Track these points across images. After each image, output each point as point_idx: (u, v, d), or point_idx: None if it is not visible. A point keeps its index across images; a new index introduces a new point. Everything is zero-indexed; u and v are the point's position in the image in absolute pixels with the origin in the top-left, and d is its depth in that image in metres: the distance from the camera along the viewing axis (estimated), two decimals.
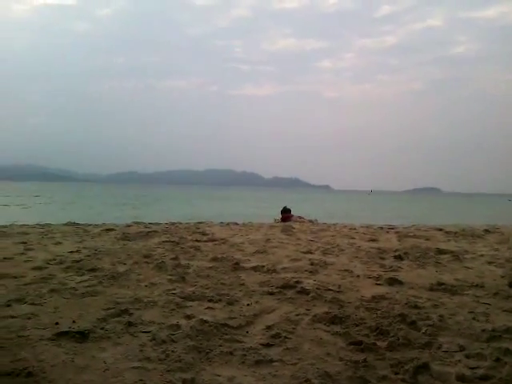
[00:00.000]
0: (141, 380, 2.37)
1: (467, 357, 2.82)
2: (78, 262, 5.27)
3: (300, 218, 12.62)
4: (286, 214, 12.89)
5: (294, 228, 9.06)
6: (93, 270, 4.87)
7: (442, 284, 4.57)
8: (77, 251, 5.98)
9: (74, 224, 9.43)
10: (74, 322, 3.25)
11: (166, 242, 6.84)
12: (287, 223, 10.94)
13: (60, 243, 6.68)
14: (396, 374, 2.56)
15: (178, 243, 6.74)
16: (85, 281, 4.43)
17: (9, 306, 3.58)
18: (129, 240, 7.04)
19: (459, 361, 2.76)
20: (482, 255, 6.36)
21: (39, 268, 4.95)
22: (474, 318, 3.56)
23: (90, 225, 9.33)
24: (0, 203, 27.02)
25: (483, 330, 3.25)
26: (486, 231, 8.90)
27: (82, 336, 2.97)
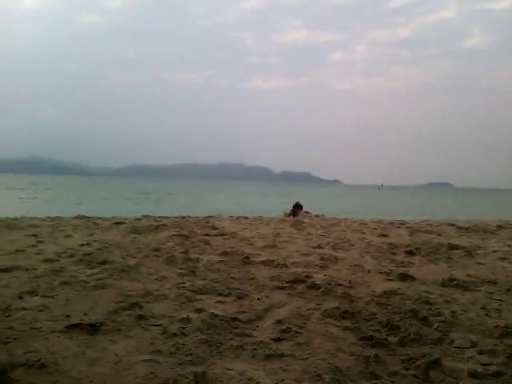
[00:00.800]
0: (152, 373, 2.37)
1: (479, 353, 2.80)
2: (88, 254, 5.30)
3: (307, 213, 12.73)
4: (297, 208, 13.11)
5: (304, 223, 9.04)
6: (103, 263, 4.90)
7: (454, 280, 4.53)
8: (87, 244, 6.02)
9: (84, 217, 9.49)
10: (85, 314, 3.28)
11: (176, 235, 6.86)
12: (297, 218, 10.98)
13: (70, 236, 6.73)
14: (407, 369, 2.54)
15: (187, 237, 6.76)
16: (95, 274, 4.46)
17: (21, 298, 3.62)
18: (139, 233, 7.07)
19: (471, 357, 2.74)
20: (494, 251, 6.30)
21: (50, 261, 4.99)
22: (486, 315, 3.53)
23: (100, 218, 9.38)
24: (15, 196, 27.33)
25: (496, 327, 3.21)
26: (499, 227, 8.81)
27: (93, 328, 2.99)
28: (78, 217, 9.52)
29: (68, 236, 6.72)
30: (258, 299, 3.80)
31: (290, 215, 12.72)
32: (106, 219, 9.13)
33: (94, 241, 6.29)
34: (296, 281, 4.36)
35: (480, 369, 2.55)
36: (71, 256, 5.25)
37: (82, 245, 5.97)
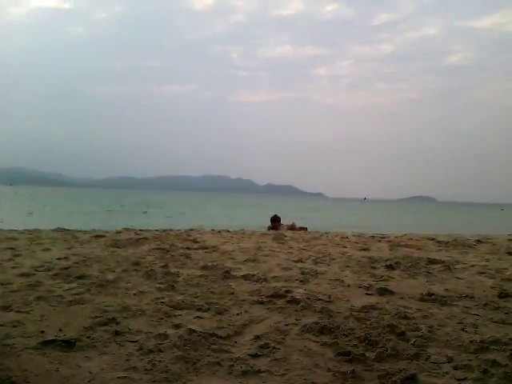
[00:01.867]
0: None
1: (455, 368, 2.81)
2: (66, 268, 5.21)
3: (292, 226, 12.52)
4: (275, 222, 12.83)
5: (285, 236, 9.05)
6: (81, 277, 4.83)
7: (432, 294, 4.56)
8: (65, 258, 5.92)
9: (64, 230, 9.35)
10: (60, 330, 3.22)
11: (156, 249, 6.79)
12: (279, 231, 10.93)
13: (48, 249, 6.61)
14: None
15: (168, 251, 6.69)
16: (72, 288, 4.39)
17: None
18: (118, 247, 6.98)
19: (447, 372, 2.75)
20: (472, 265, 6.36)
21: (26, 275, 4.90)
22: (462, 329, 3.55)
23: (79, 231, 9.25)
24: None
25: (471, 342, 3.24)
26: (478, 241, 8.93)
27: (67, 345, 2.94)
28: (58, 229, 9.37)
29: (46, 249, 6.61)
30: (238, 314, 3.78)
31: (269, 229, 12.54)
32: (85, 232, 9.00)
33: (73, 254, 6.19)
34: (276, 295, 4.35)
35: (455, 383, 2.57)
36: (48, 270, 5.16)
37: (60, 258, 5.86)
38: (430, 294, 4.56)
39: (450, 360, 2.93)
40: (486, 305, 4.30)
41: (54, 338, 3.03)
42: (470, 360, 2.92)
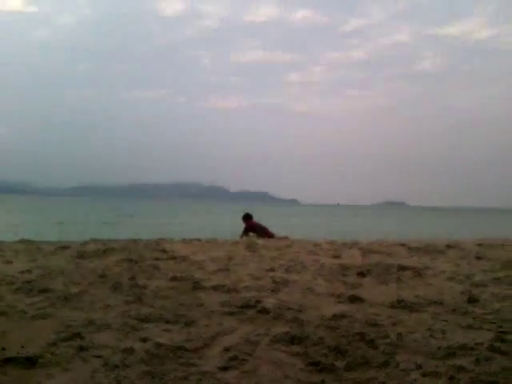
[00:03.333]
0: None
1: (423, 375, 2.82)
2: (28, 282, 5.02)
3: (263, 229, 12.07)
4: (246, 220, 12.27)
5: (257, 244, 8.99)
6: (44, 291, 4.65)
7: (402, 301, 4.58)
8: (27, 271, 5.69)
9: (28, 241, 9.05)
10: (22, 347, 3.10)
11: (124, 260, 6.59)
12: (251, 239, 10.69)
13: (10, 262, 6.37)
14: None
15: (136, 262, 6.52)
16: (36, 303, 4.23)
17: None
18: (84, 259, 6.77)
19: (415, 380, 2.76)
20: (442, 271, 6.44)
21: None
22: (431, 335, 3.57)
23: (44, 242, 8.98)
24: None
25: (439, 348, 3.26)
26: (448, 247, 9.05)
27: (29, 362, 2.84)
28: (22, 241, 9.08)
29: (8, 262, 6.36)
30: (207, 326, 3.72)
31: (244, 232, 12.01)
32: (50, 243, 8.72)
33: (37, 267, 5.96)
34: (246, 306, 4.29)
35: None
36: (10, 284, 4.96)
37: (23, 271, 5.64)
38: (400, 301, 4.58)
39: (418, 367, 2.94)
40: (454, 310, 4.35)
41: (15, 355, 2.91)
42: (438, 366, 2.94)
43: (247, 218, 12.36)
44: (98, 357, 2.97)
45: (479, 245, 9.54)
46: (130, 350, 3.06)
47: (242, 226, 12.43)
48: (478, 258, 7.62)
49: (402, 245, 9.34)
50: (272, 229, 12.64)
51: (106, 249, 7.58)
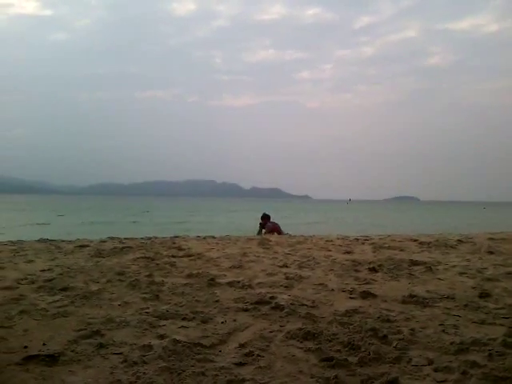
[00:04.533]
0: None
1: (435, 370, 2.87)
2: (49, 281, 5.17)
3: (276, 229, 12.56)
4: (265, 219, 12.95)
5: (271, 241, 9.07)
6: (65, 289, 4.79)
7: (414, 296, 4.63)
8: (49, 269, 5.86)
9: (47, 240, 9.24)
10: (44, 344, 3.20)
11: (141, 258, 6.75)
12: (264, 236, 10.97)
13: (32, 261, 6.54)
14: None
15: (153, 259, 6.67)
16: (56, 301, 4.36)
17: None
18: (103, 257, 6.93)
19: (428, 375, 2.81)
20: (454, 266, 6.46)
21: (9, 288, 4.84)
22: (443, 331, 3.62)
23: (63, 241, 9.16)
24: None
25: (452, 343, 3.30)
26: (459, 241, 9.05)
27: (51, 359, 2.93)
28: (41, 240, 9.27)
29: (29, 261, 6.53)
30: (222, 323, 3.80)
31: (261, 229, 12.57)
32: (69, 242, 8.91)
33: (57, 266, 6.14)
34: (260, 302, 4.38)
35: None
36: (32, 283, 5.11)
37: (44, 270, 5.81)
38: (411, 296, 4.63)
39: (430, 362, 2.99)
40: (466, 305, 4.38)
41: (37, 352, 3.02)
42: (450, 362, 2.98)
43: (264, 217, 12.95)
44: (118, 354, 3.06)
45: (491, 239, 9.51)
46: (148, 347, 3.15)
47: (257, 223, 13.07)
48: (490, 253, 7.62)
49: (414, 240, 9.36)
50: (287, 225, 13.05)
51: (123, 247, 7.74)
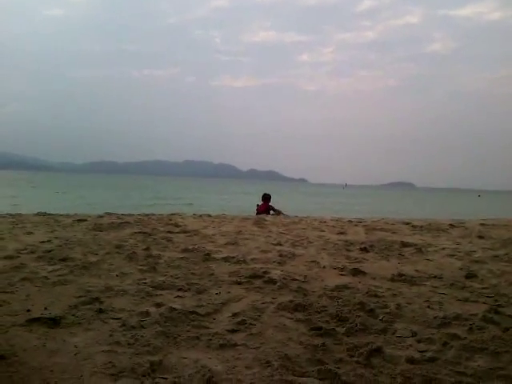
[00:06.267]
0: (110, 362, 2.49)
1: (418, 341, 3.04)
2: (49, 251, 5.31)
3: (274, 210, 12.67)
4: (265, 200, 13.02)
5: (266, 220, 9.22)
6: (64, 259, 4.94)
7: (403, 275, 4.80)
8: (48, 241, 6.00)
9: (46, 214, 9.36)
10: (45, 309, 3.35)
11: (138, 233, 6.89)
12: (260, 216, 11.09)
13: (31, 233, 6.67)
14: (351, 356, 2.75)
15: (150, 234, 6.81)
16: (56, 270, 4.51)
17: None
18: (100, 231, 7.06)
19: (410, 345, 2.97)
20: (443, 248, 6.63)
21: (10, 257, 4.98)
22: (428, 307, 3.78)
23: (61, 215, 9.27)
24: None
25: (435, 317, 3.47)
26: (451, 226, 9.21)
27: (53, 322, 3.08)
28: (39, 214, 9.39)
29: (29, 233, 6.66)
30: (217, 294, 3.96)
31: (258, 209, 12.65)
32: (67, 216, 9.03)
33: (55, 238, 6.27)
34: (254, 276, 4.53)
35: (417, 355, 2.79)
36: (32, 253, 5.25)
37: (43, 242, 5.94)
38: (400, 275, 4.80)
39: (414, 334, 3.16)
40: (452, 284, 4.54)
41: (39, 315, 3.17)
42: (433, 334, 3.16)
43: (264, 198, 13.00)
44: (116, 319, 3.21)
45: (482, 224, 9.68)
46: (145, 313, 3.31)
47: (254, 204, 13.15)
48: (480, 237, 7.78)
49: (406, 223, 9.52)
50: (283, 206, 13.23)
51: (120, 222, 7.87)
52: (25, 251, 5.33)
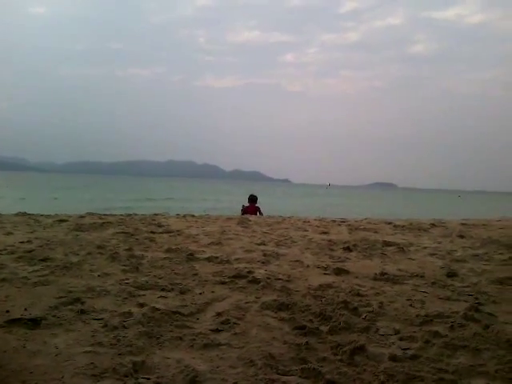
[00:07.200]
0: (92, 363, 2.46)
1: (400, 339, 3.07)
2: (29, 252, 5.21)
3: (253, 208, 12.63)
4: (252, 202, 12.99)
5: (249, 220, 9.22)
6: (45, 259, 4.86)
7: (385, 274, 4.84)
8: (28, 241, 5.89)
9: (25, 214, 9.21)
10: (25, 309, 3.29)
11: (121, 233, 6.83)
12: (244, 215, 11.09)
13: (11, 233, 6.55)
14: (335, 355, 2.76)
15: (132, 234, 6.75)
16: (37, 270, 4.43)
17: None
18: (82, 231, 6.97)
19: (393, 343, 3.00)
20: (425, 247, 6.71)
21: None
22: (410, 305, 3.82)
23: (42, 215, 9.14)
24: None
25: (417, 316, 3.51)
26: (432, 225, 9.33)
27: (33, 323, 3.03)
28: (19, 214, 9.23)
29: (8, 233, 6.54)
30: (200, 294, 3.94)
31: (245, 210, 12.60)
32: (48, 216, 8.89)
33: (36, 238, 6.17)
34: (238, 276, 4.52)
35: (399, 353, 2.81)
36: (12, 253, 5.15)
37: (23, 242, 5.83)
38: (383, 274, 4.84)
39: (396, 332, 3.19)
40: (434, 283, 4.59)
41: (19, 316, 3.11)
42: (415, 332, 3.19)
43: (251, 199, 13.02)
44: (98, 319, 3.17)
45: (463, 224, 9.83)
46: (128, 314, 3.27)
47: (239, 204, 13.11)
48: (461, 237, 7.89)
49: (388, 223, 9.61)
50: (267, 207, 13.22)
51: (102, 222, 7.79)
52: (4, 251, 5.23)
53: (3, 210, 9.95)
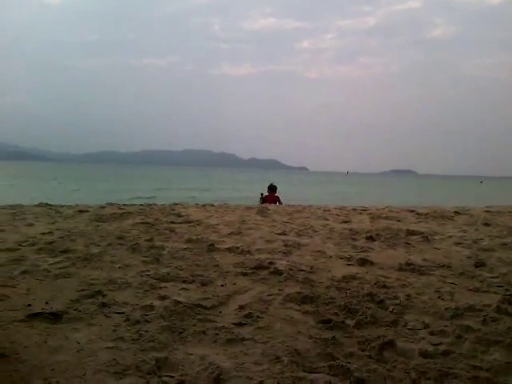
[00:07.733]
0: (114, 359, 2.41)
1: (431, 334, 2.95)
2: (50, 243, 5.21)
3: (273, 198, 12.55)
4: (271, 191, 12.90)
5: (269, 210, 9.13)
6: (66, 251, 4.85)
7: (411, 264, 4.71)
8: (49, 233, 5.91)
9: (47, 205, 9.27)
10: (46, 303, 3.26)
11: (141, 223, 6.81)
12: (263, 204, 11.01)
13: (32, 224, 6.58)
14: (363, 350, 2.66)
15: (152, 225, 6.73)
16: (58, 262, 4.42)
17: None
18: (102, 221, 6.98)
19: (423, 338, 2.89)
20: (450, 236, 6.54)
21: (11, 250, 4.89)
22: (439, 297, 3.70)
23: (62, 206, 9.19)
24: None
25: (447, 309, 3.38)
26: (456, 213, 9.12)
27: (55, 317, 2.99)
28: (40, 204, 9.30)
29: (29, 224, 6.57)
30: (222, 286, 3.87)
31: (264, 199, 12.51)
32: (68, 207, 8.94)
33: (57, 229, 6.19)
34: (259, 267, 4.44)
35: (430, 348, 2.70)
36: (33, 245, 5.16)
37: (44, 233, 5.85)
38: (408, 264, 4.71)
39: (426, 326, 3.08)
40: (462, 274, 4.46)
41: (41, 310, 3.08)
42: (446, 326, 3.07)
43: (271, 189, 12.90)
44: (120, 313, 3.13)
45: (487, 211, 9.60)
46: (149, 307, 3.22)
47: (258, 192, 12.99)
48: (486, 225, 7.69)
49: (411, 211, 9.42)
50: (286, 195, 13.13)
51: (122, 212, 7.79)
52: (25, 243, 5.24)
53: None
